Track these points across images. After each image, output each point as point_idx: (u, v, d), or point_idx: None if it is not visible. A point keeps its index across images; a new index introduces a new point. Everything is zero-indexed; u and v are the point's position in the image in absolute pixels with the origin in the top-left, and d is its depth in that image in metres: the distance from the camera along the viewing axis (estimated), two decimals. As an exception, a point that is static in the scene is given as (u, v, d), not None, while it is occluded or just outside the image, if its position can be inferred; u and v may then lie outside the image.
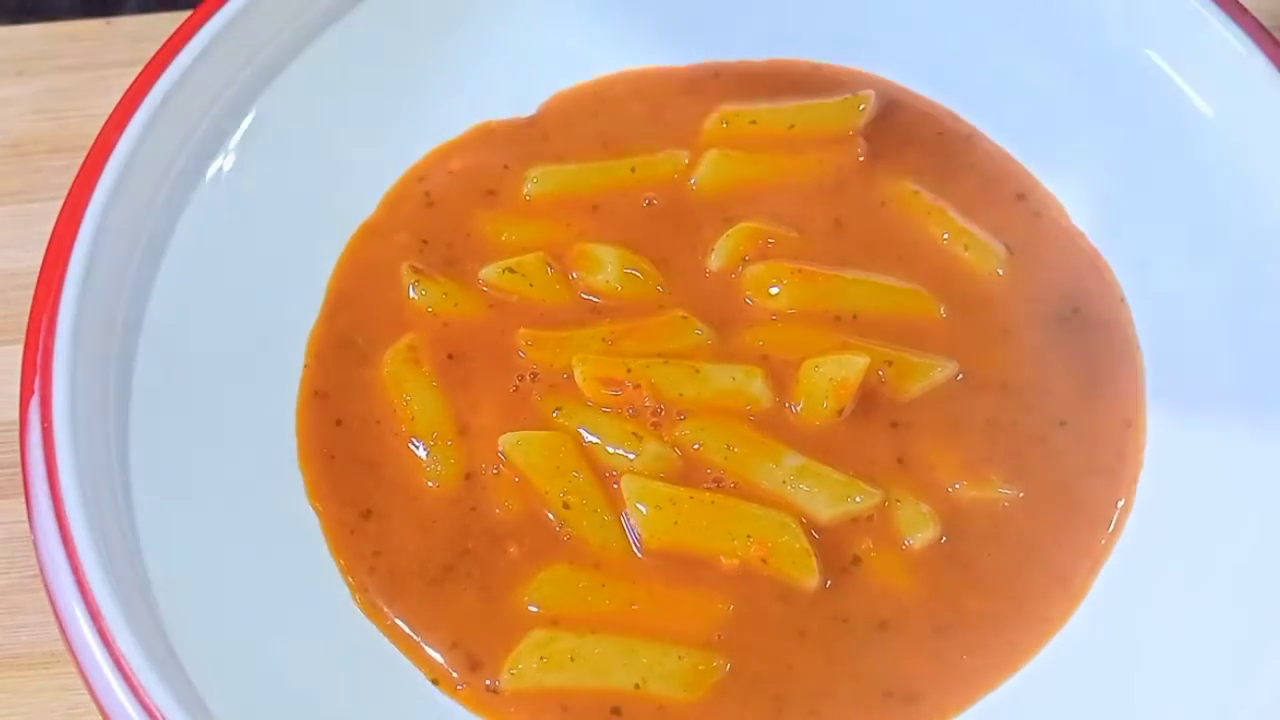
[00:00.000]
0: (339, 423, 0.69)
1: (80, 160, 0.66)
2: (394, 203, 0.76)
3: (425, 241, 0.74)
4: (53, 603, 0.57)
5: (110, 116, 0.67)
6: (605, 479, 0.67)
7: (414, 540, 0.66)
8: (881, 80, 0.80)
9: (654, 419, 0.68)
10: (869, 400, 0.69)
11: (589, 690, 0.63)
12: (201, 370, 0.67)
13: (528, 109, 0.79)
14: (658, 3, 0.81)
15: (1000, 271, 0.74)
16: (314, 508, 0.67)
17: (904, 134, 0.78)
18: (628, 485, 0.66)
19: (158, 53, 0.68)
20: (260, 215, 0.72)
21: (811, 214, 0.75)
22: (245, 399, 0.68)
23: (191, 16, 0.69)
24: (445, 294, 0.72)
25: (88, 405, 0.61)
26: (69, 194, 0.65)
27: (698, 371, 0.69)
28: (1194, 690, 0.62)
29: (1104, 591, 0.66)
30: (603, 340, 0.69)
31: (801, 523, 0.65)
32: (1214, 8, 0.71)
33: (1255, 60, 0.70)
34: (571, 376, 0.69)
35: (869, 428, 0.68)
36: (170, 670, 0.56)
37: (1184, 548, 0.66)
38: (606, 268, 0.72)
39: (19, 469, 0.59)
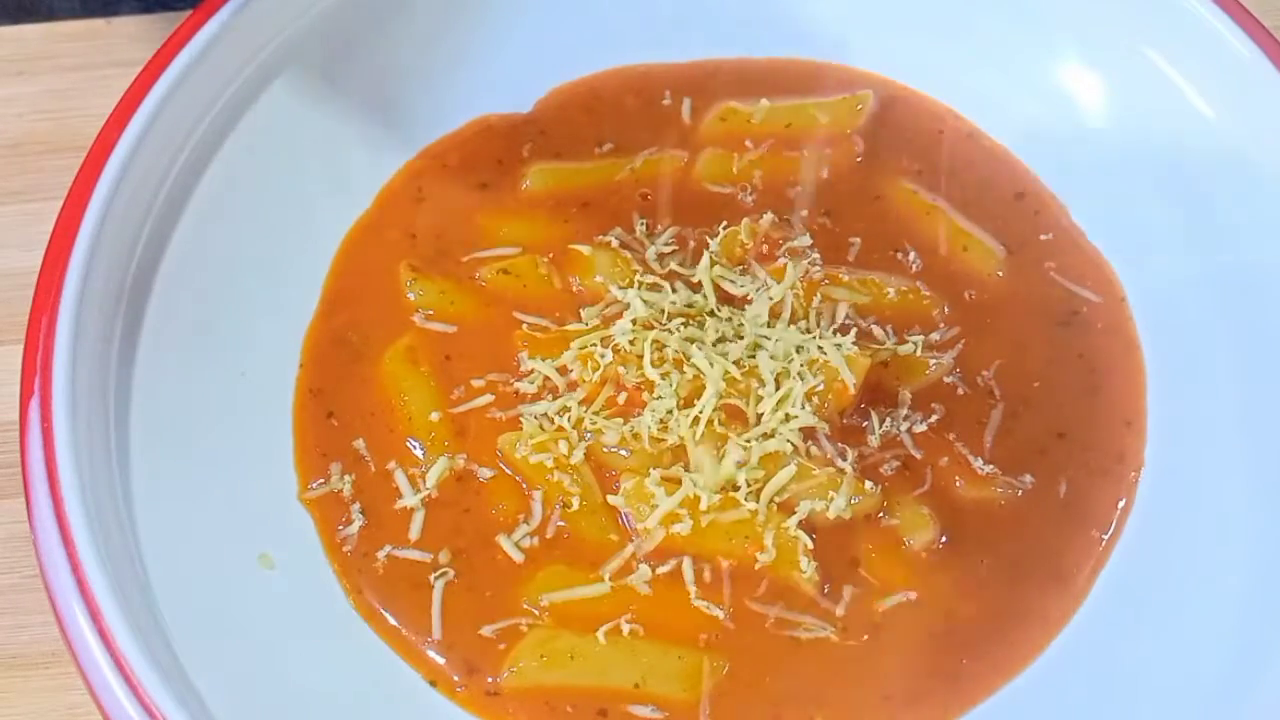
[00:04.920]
0: (331, 415, 0.69)
1: (80, 160, 0.65)
2: (390, 199, 0.76)
3: (414, 236, 0.74)
4: (53, 602, 0.57)
5: (110, 116, 0.66)
6: (605, 479, 0.67)
7: (409, 541, 0.66)
8: (881, 79, 0.80)
9: (653, 418, 0.67)
10: (869, 400, 0.69)
11: (584, 690, 0.63)
12: (200, 370, 0.67)
13: (525, 105, 0.79)
14: (656, -1, 0.81)
15: (1000, 273, 0.74)
16: (308, 507, 0.67)
17: (903, 133, 0.78)
18: (627, 485, 0.66)
19: (158, 53, 0.68)
20: (259, 214, 0.72)
21: (809, 213, 0.75)
22: (243, 399, 0.68)
23: (191, 16, 0.69)
24: (442, 293, 0.72)
25: (87, 405, 0.61)
26: (69, 194, 0.65)
27: (698, 372, 0.68)
28: (1195, 691, 0.62)
29: (1104, 592, 0.66)
30: (600, 340, 0.69)
31: (800, 523, 0.65)
32: (1214, 7, 0.71)
33: (1256, 60, 0.70)
34: (570, 376, 0.69)
35: (868, 428, 0.68)
36: (170, 670, 0.56)
37: (1184, 548, 0.67)
38: (602, 268, 0.72)
39: (19, 469, 0.59)
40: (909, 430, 0.69)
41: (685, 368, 0.67)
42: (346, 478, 0.68)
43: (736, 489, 0.65)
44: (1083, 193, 0.76)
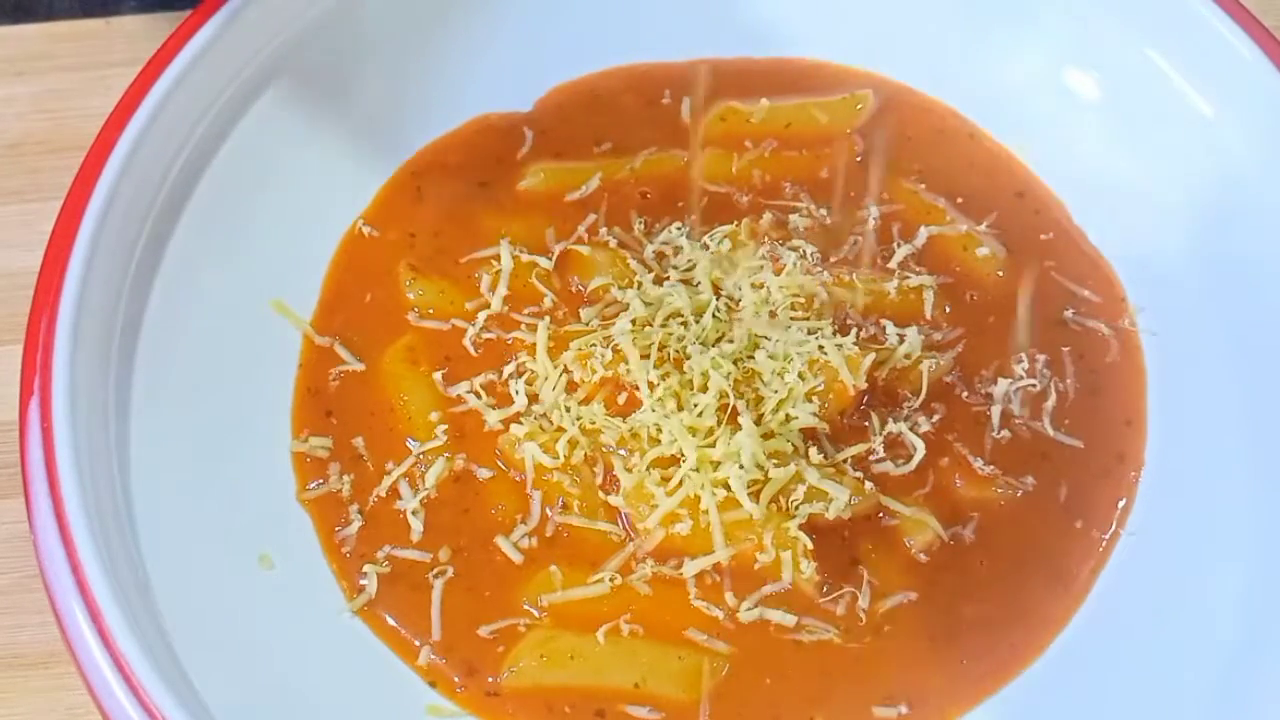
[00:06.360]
0: (330, 415, 0.69)
1: (80, 160, 0.66)
2: (389, 199, 0.76)
3: (413, 235, 0.74)
4: (52, 602, 0.57)
5: (110, 116, 0.67)
6: (605, 479, 0.67)
7: (408, 542, 0.66)
8: (882, 79, 0.80)
9: (653, 418, 0.67)
10: (869, 400, 0.69)
11: (584, 690, 0.63)
12: (200, 370, 0.67)
13: (525, 104, 0.79)
14: (657, -2, 0.81)
15: (1000, 273, 0.74)
16: (307, 508, 0.67)
17: (903, 132, 0.78)
18: (627, 485, 0.66)
19: (158, 53, 0.68)
20: (258, 214, 0.72)
21: (809, 212, 0.75)
22: (243, 399, 0.68)
23: (191, 16, 0.69)
24: (442, 293, 0.72)
25: (87, 405, 0.61)
26: (69, 194, 0.65)
27: (699, 372, 0.68)
28: (1195, 690, 0.62)
29: (1104, 592, 0.66)
30: (601, 341, 0.69)
31: (801, 524, 0.65)
32: (1214, 7, 0.71)
33: (1255, 60, 0.70)
34: (570, 376, 0.68)
35: (869, 428, 0.68)
36: (169, 670, 0.57)
37: (1184, 548, 0.67)
38: (601, 269, 0.72)
39: (19, 469, 0.59)
40: (910, 430, 0.69)
41: (685, 367, 0.67)
42: (345, 478, 0.68)
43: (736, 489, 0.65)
44: (1083, 193, 0.76)
